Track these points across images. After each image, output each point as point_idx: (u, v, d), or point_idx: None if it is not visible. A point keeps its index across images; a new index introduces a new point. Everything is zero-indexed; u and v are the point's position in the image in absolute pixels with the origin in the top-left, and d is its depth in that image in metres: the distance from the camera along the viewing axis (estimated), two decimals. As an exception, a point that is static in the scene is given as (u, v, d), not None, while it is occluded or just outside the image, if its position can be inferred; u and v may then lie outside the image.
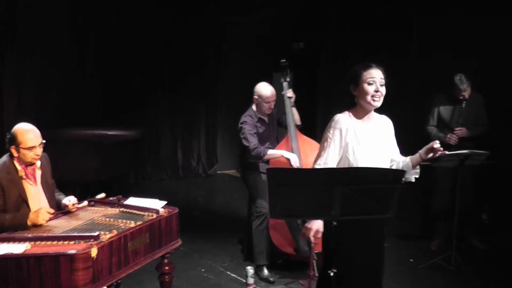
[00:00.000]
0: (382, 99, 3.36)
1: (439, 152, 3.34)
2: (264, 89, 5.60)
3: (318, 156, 3.43)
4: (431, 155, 3.37)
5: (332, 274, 2.96)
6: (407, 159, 3.50)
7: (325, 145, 3.40)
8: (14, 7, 8.21)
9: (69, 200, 4.12)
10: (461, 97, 5.99)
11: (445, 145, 5.89)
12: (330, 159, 3.37)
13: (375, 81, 3.32)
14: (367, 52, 7.92)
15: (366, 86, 3.33)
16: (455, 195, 5.70)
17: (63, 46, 8.89)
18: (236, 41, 11.00)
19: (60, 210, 4.13)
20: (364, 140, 3.37)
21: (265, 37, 10.63)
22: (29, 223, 3.69)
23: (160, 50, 10.23)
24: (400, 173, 2.77)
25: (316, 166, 3.41)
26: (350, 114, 3.44)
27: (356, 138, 3.36)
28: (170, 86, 10.56)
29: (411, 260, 6.09)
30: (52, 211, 3.83)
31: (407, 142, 3.89)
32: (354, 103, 3.45)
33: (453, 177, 5.90)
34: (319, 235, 3.33)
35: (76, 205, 4.14)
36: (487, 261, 6.06)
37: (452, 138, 6.00)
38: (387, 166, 3.44)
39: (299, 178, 2.77)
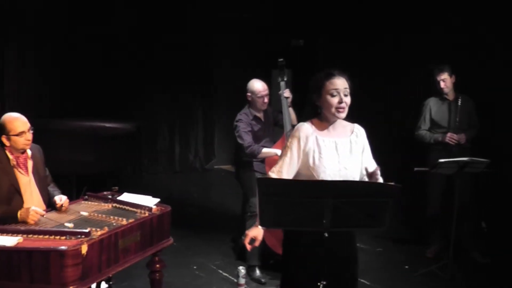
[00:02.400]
0: (347, 109, 3.19)
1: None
2: (255, 84, 5.58)
3: (276, 164, 3.30)
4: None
5: (321, 286, 2.91)
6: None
7: (283, 152, 3.28)
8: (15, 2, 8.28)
9: (60, 199, 4.09)
10: (442, 85, 5.96)
11: (442, 145, 5.95)
12: (285, 168, 3.22)
13: (338, 92, 3.15)
14: (364, 49, 7.96)
15: (329, 97, 3.15)
16: (453, 202, 5.60)
17: (61, 38, 8.91)
18: (236, 36, 10.95)
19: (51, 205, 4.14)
20: (327, 150, 3.20)
21: (264, 33, 10.58)
22: (19, 219, 3.71)
23: (159, 43, 10.19)
24: (394, 188, 2.70)
25: (270, 173, 3.29)
26: (313, 123, 3.27)
27: (318, 148, 3.19)
28: (169, 79, 10.51)
29: (406, 266, 6.02)
30: (42, 212, 3.81)
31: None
32: (318, 112, 3.27)
33: (446, 182, 5.87)
34: (257, 243, 3.23)
35: (65, 207, 4.09)
36: (484, 271, 5.93)
37: (454, 138, 5.89)
38: (355, 177, 3.27)
39: (289, 189, 2.73)
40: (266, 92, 5.58)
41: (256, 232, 3.21)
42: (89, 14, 9.18)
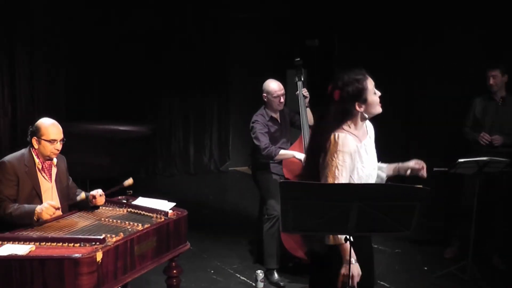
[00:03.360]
0: None
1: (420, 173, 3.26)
2: (271, 84, 5.50)
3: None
4: (408, 172, 3.30)
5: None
6: (385, 168, 3.37)
7: (336, 173, 3.01)
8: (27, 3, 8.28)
9: (97, 191, 4.14)
10: (490, 82, 5.74)
11: (479, 145, 5.78)
12: None
13: (375, 87, 3.16)
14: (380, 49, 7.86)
15: (373, 96, 3.12)
16: (480, 200, 5.49)
17: (74, 40, 8.89)
18: (250, 37, 10.87)
19: (77, 207, 4.19)
20: (365, 157, 3.12)
21: (279, 33, 10.52)
22: (35, 217, 3.69)
23: (174, 44, 10.16)
24: (423, 191, 2.61)
25: None
26: (349, 131, 3.12)
27: (360, 158, 3.09)
28: (183, 81, 10.47)
29: (425, 268, 5.93)
30: (56, 205, 3.78)
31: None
32: (350, 117, 3.14)
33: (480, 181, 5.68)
34: (356, 280, 3.00)
35: (103, 197, 4.16)
36: (504, 273, 5.81)
37: (484, 138, 5.72)
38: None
39: (314, 192, 2.64)
40: (282, 91, 5.49)
41: (358, 269, 3.01)
42: (103, 15, 9.17)
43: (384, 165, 3.36)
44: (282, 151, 5.33)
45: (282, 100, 5.49)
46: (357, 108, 3.10)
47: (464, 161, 5.28)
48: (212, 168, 11.23)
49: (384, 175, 3.34)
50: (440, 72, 7.30)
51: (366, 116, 3.16)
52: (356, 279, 2.97)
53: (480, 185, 5.57)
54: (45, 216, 3.69)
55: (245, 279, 5.56)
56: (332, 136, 3.05)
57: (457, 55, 6.94)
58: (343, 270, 2.98)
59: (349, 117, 3.13)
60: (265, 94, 5.50)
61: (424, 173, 3.24)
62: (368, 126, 3.32)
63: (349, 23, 8.96)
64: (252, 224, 6.53)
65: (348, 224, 2.65)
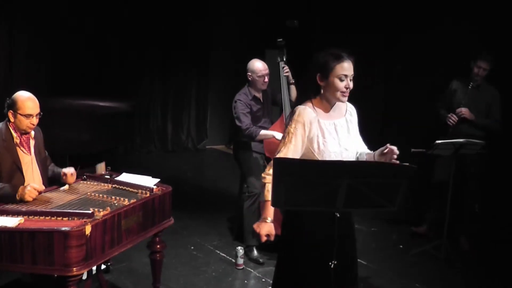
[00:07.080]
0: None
1: (392, 156, 3.11)
2: (256, 63, 5.54)
3: (278, 151, 3.16)
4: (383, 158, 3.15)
5: (332, 265, 2.91)
6: (365, 156, 3.32)
7: (286, 140, 3.14)
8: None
9: (69, 170, 4.10)
10: (476, 71, 5.77)
11: (447, 126, 5.87)
12: (289, 155, 3.10)
13: (347, 76, 3.09)
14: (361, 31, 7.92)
15: (337, 81, 3.08)
16: (455, 181, 5.62)
17: (54, 15, 8.81)
18: (229, 17, 10.87)
19: (54, 183, 4.14)
20: (329, 132, 3.17)
21: (259, 14, 10.52)
22: (17, 197, 3.66)
23: (151, 22, 10.09)
24: (409, 169, 2.70)
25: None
26: (313, 105, 3.18)
27: (321, 132, 3.14)
28: (161, 58, 10.47)
29: (400, 246, 6.09)
30: (40, 188, 3.75)
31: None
32: (318, 92, 3.19)
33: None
34: (272, 238, 3.13)
35: (74, 176, 4.11)
36: (479, 252, 5.98)
37: (451, 118, 5.82)
38: (354, 157, 3.28)
39: (306, 169, 2.71)
40: (267, 71, 5.54)
41: (268, 228, 3.13)
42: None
43: (365, 153, 3.34)
44: (262, 132, 5.39)
45: (266, 79, 5.55)
46: (319, 80, 3.14)
47: (441, 143, 5.40)
48: (190, 146, 11.26)
49: None
50: (417, 58, 7.41)
51: (329, 97, 3.17)
52: (264, 238, 3.13)
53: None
54: (28, 199, 3.64)
55: (225, 255, 5.64)
56: (294, 110, 3.19)
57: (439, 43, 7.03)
58: (255, 226, 3.17)
59: (313, 88, 3.19)
60: (249, 73, 5.54)
61: (392, 156, 3.11)
62: (349, 108, 3.34)
63: (329, 5, 8.99)
64: (231, 202, 6.59)
65: (337, 201, 2.72)
